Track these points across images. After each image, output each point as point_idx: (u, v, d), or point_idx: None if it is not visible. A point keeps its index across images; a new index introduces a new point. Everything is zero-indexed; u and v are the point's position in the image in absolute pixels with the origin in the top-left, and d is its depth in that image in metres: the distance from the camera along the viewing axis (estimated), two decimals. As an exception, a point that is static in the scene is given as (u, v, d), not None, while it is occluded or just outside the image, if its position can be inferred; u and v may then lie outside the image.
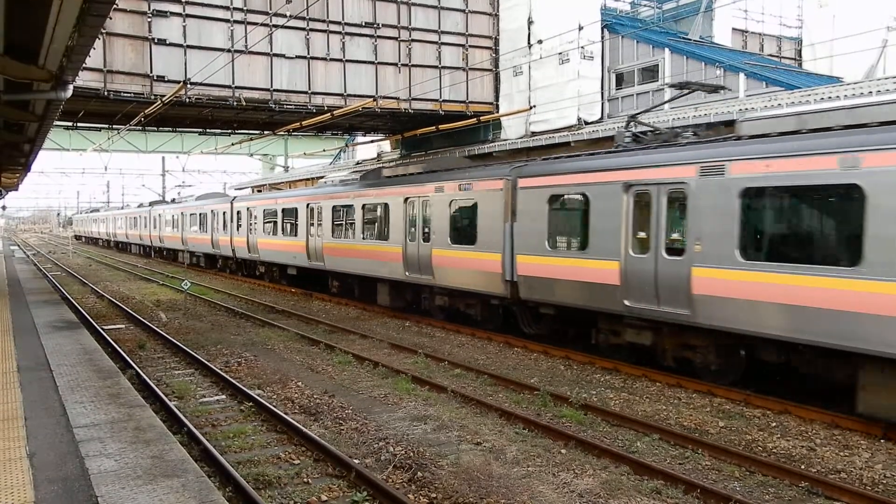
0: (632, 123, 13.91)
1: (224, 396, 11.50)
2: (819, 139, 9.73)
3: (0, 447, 6.54)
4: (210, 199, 36.25)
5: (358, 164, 35.53)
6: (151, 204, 48.37)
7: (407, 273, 18.11)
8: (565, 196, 13.60)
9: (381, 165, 25.45)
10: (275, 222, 26.10)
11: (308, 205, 23.33)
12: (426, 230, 17.45)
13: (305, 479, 7.84)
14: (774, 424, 9.94)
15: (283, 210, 25.26)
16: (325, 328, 18.16)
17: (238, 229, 29.89)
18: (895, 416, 9.00)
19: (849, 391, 9.56)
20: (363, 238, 20.18)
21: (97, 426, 7.21)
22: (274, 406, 10.45)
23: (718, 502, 7.21)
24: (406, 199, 18.13)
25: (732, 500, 7.10)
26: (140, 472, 5.90)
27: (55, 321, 14.84)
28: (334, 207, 21.69)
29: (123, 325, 18.73)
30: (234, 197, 32.93)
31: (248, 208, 28.84)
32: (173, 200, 47.44)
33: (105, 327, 17.45)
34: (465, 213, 16.21)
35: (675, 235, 11.51)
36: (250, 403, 10.74)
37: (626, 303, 12.11)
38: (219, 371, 12.76)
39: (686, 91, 13.72)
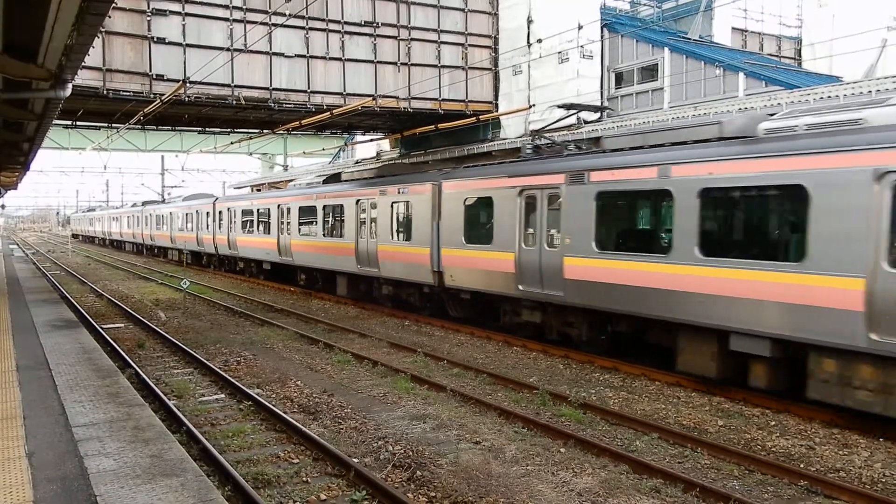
0: (536, 137, 17.21)
1: (223, 395, 11.49)
2: (649, 153, 12.05)
3: (-1, 446, 6.55)
4: (196, 199, 38.18)
5: (330, 164, 36.24)
6: (144, 204, 50.49)
7: (359, 266, 20.50)
8: (477, 198, 16.02)
9: (340, 170, 27.17)
10: (251, 221, 28.38)
11: (279, 206, 25.66)
12: (373, 228, 19.80)
13: (304, 479, 7.84)
14: (773, 423, 9.95)
15: (258, 210, 27.61)
16: (324, 327, 18.16)
17: (220, 228, 32.16)
18: (703, 373, 11.29)
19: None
20: (324, 236, 22.57)
21: (96, 425, 7.20)
22: (273, 405, 10.44)
23: (718, 501, 7.21)
24: (357, 202, 20.51)
25: (732, 499, 7.11)
26: (139, 472, 5.90)
27: (54, 320, 14.84)
28: (300, 208, 24.09)
29: (122, 324, 18.72)
30: (217, 198, 34.77)
31: (228, 208, 31.13)
32: (163, 200, 49.23)
33: (104, 326, 17.44)
34: (403, 214, 18.68)
35: (552, 231, 13.97)
36: (249, 402, 10.74)
37: (520, 287, 14.58)
38: (218, 370, 12.75)
39: (572, 112, 17.21)
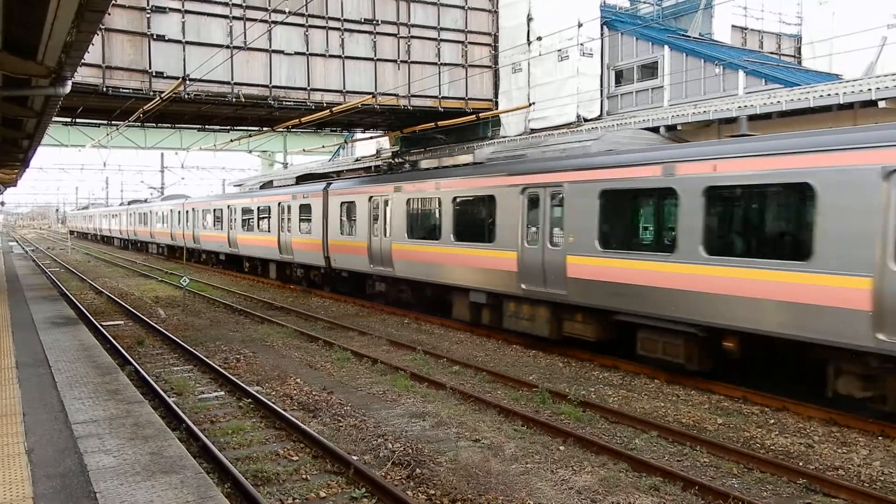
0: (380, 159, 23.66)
1: (223, 393, 11.50)
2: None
3: (-2, 443, 6.55)
4: (171, 200, 43.74)
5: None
6: (129, 203, 56.39)
7: (281, 255, 25.95)
8: (348, 202, 21.23)
9: (272, 178, 32.96)
10: (210, 219, 33.97)
11: (229, 206, 31.15)
12: (289, 225, 25.04)
13: (304, 476, 7.84)
14: (773, 421, 9.96)
15: (214, 210, 33.18)
16: (323, 325, 18.17)
17: (187, 225, 37.65)
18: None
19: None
20: (258, 231, 27.93)
21: (96, 422, 7.21)
22: (273, 403, 10.45)
23: (716, 499, 7.22)
24: (279, 204, 25.91)
25: (730, 497, 7.12)
26: (139, 469, 5.90)
27: (54, 317, 14.83)
28: (243, 209, 29.63)
29: (122, 322, 18.72)
30: (186, 199, 39.83)
31: (193, 209, 36.63)
32: (145, 200, 53.96)
33: (104, 324, 17.43)
34: (305, 213, 23.88)
35: (385, 226, 19.15)
36: (249, 400, 10.74)
37: (371, 266, 19.87)
38: (217, 367, 12.75)
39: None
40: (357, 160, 35.25)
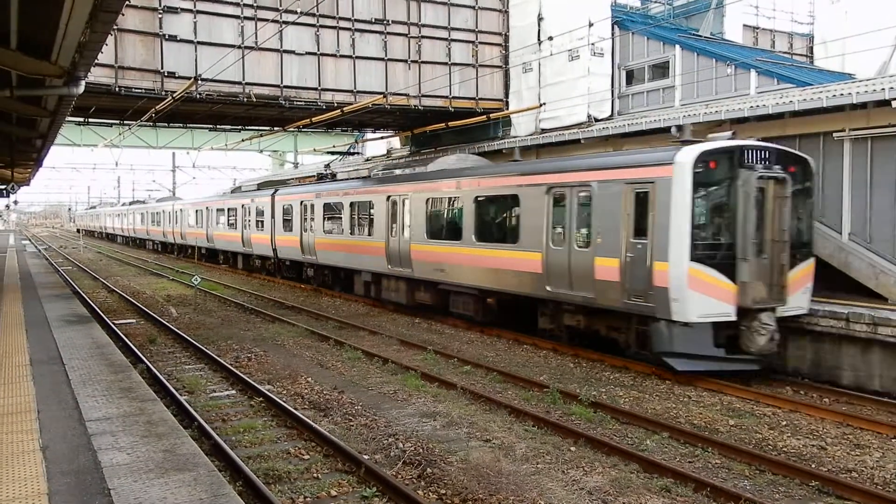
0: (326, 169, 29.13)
1: (234, 391, 11.55)
2: (340, 183, 24.22)
3: (14, 440, 6.59)
4: (164, 202, 49.37)
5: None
6: (130, 203, 63.83)
7: (244, 247, 31.47)
8: (288, 204, 26.48)
9: (241, 184, 39.59)
10: (194, 218, 39.50)
11: (207, 207, 36.85)
12: (249, 223, 30.47)
13: (315, 475, 7.87)
14: (785, 423, 9.92)
15: (196, 211, 39.16)
16: (334, 324, 18.21)
17: (176, 223, 43.10)
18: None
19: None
20: (229, 229, 33.57)
21: (109, 420, 7.25)
22: (284, 402, 10.48)
23: (728, 501, 7.20)
24: (242, 206, 31.27)
25: (742, 499, 7.09)
26: (152, 466, 5.94)
27: (67, 315, 14.93)
28: (217, 209, 35.24)
29: (134, 320, 18.83)
30: (176, 200, 46.26)
31: (181, 209, 42.35)
32: (143, 202, 60.45)
33: (116, 322, 17.54)
34: (260, 213, 29.32)
35: (311, 223, 24.73)
36: (260, 399, 10.78)
37: (303, 255, 25.26)
38: (229, 366, 12.81)
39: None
40: (367, 160, 35.32)
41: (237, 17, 20.01)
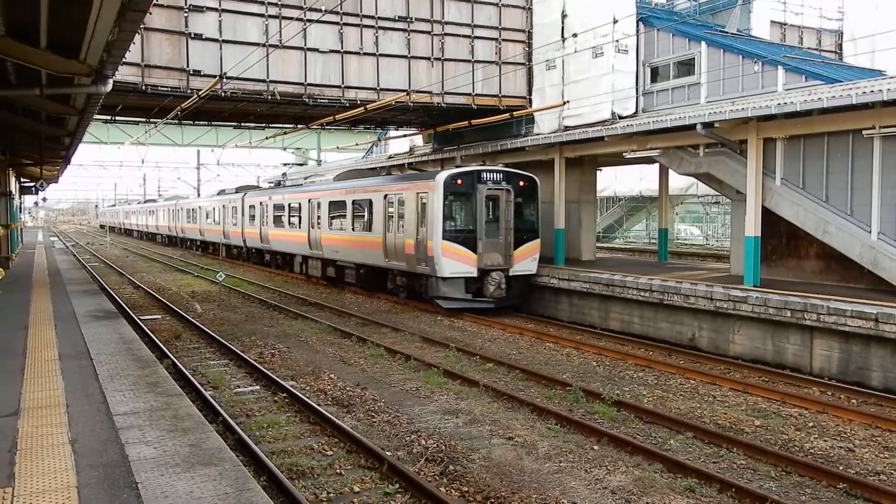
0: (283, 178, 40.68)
1: (258, 387, 11.64)
2: (276, 190, 33.56)
3: (43, 433, 6.70)
4: (170, 200, 58.15)
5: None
6: (145, 202, 74.17)
7: (224, 239, 38.98)
8: (252, 204, 33.32)
9: (224, 188, 46.40)
10: (188, 215, 47.38)
11: (200, 206, 44.45)
12: (227, 220, 37.88)
13: (338, 471, 7.91)
14: (812, 424, 9.79)
15: (189, 209, 47.24)
16: (357, 321, 18.28)
17: (178, 219, 50.79)
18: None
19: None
20: (215, 224, 40.54)
21: (136, 414, 7.34)
22: (307, 397, 10.55)
23: (754, 502, 7.12)
24: (223, 205, 38.50)
25: (768, 500, 7.01)
26: (178, 460, 6.00)
27: (94, 311, 15.14)
28: (206, 208, 42.62)
29: (160, 316, 19.05)
30: (177, 200, 54.63)
31: (182, 208, 50.26)
32: (154, 201, 69.98)
33: (142, 317, 17.76)
34: (234, 212, 36.06)
35: (256, 220, 32.89)
36: (284, 394, 10.86)
37: (262, 243, 32.03)
38: (253, 362, 12.92)
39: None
40: (390, 157, 35.39)
41: (262, 15, 20.11)
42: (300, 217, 27.35)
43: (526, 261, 19.27)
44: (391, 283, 21.53)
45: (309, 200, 26.61)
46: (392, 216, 20.74)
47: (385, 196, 21.22)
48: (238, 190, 38.98)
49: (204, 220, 43.05)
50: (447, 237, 18.37)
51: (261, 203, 32.20)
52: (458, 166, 20.68)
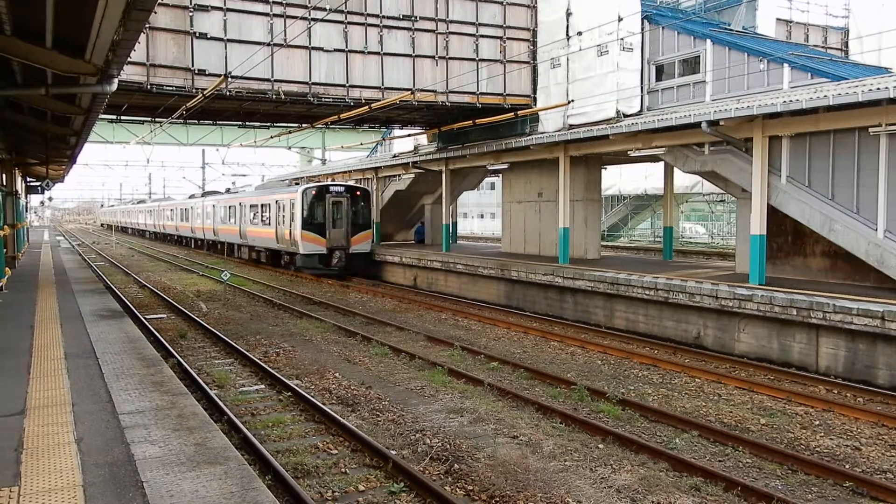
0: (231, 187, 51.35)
1: (263, 386, 11.66)
2: (232, 195, 41.70)
3: (49, 432, 6.72)
4: (164, 201, 63.96)
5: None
6: (141, 202, 78.86)
7: (192, 234, 46.40)
8: (227, 206, 38.43)
9: (194, 193, 57.15)
10: (169, 215, 54.70)
11: (179, 207, 51.38)
12: (191, 218, 45.71)
13: (343, 469, 7.91)
14: (818, 423, 9.76)
15: (170, 209, 54.93)
16: (361, 320, 18.29)
17: (167, 219, 56.44)
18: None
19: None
20: (188, 222, 47.05)
21: (141, 413, 7.35)
22: (312, 396, 10.56)
23: (759, 501, 7.10)
24: (192, 206, 45.55)
25: (774, 499, 6.99)
26: (184, 459, 6.01)
27: (100, 310, 15.18)
28: (181, 208, 50.19)
29: (165, 315, 19.09)
30: (159, 202, 62.67)
31: (174, 207, 54.75)
32: (143, 202, 76.31)
33: (147, 316, 17.80)
34: (207, 212, 42.24)
35: (232, 220, 38.80)
36: (289, 393, 10.87)
37: (215, 236, 42.05)
38: (258, 361, 12.94)
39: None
40: (394, 156, 35.39)
41: (266, 14, 20.13)
42: (237, 216, 36.49)
43: (362, 244, 28.58)
44: (282, 261, 30.95)
45: (240, 204, 35.78)
46: (279, 215, 30.06)
47: (277, 201, 30.45)
48: (204, 195, 48.48)
49: (178, 219, 52.26)
50: (305, 227, 27.61)
51: (213, 206, 41.32)
52: (312, 180, 34.69)
